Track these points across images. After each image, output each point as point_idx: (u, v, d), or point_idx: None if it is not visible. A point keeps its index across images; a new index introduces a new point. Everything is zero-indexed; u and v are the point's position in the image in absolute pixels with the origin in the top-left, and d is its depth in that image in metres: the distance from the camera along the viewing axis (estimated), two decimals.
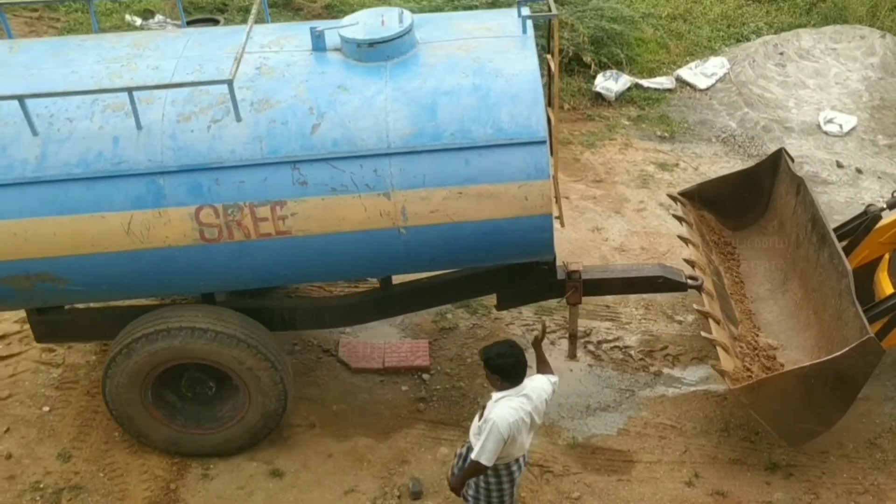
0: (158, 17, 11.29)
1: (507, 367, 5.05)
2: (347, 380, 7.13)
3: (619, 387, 7.26)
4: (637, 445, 6.78)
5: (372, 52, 5.83)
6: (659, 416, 7.01)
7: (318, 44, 5.97)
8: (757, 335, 7.18)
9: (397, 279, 6.49)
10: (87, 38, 6.60)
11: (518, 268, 6.52)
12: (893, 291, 6.78)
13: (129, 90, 5.33)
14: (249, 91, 5.67)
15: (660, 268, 7.15)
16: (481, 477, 5.25)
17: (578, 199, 9.29)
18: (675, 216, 7.98)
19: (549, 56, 6.35)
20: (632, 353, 7.58)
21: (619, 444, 6.79)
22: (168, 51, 5.99)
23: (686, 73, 11.47)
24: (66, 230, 5.48)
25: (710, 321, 6.78)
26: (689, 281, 7.10)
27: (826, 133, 10.48)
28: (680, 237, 7.75)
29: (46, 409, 6.77)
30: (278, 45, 6.07)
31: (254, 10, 6.05)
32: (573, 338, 7.11)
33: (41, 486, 6.30)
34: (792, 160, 7.78)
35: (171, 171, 5.47)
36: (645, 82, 11.20)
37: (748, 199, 8.04)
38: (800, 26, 12.29)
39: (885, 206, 7.47)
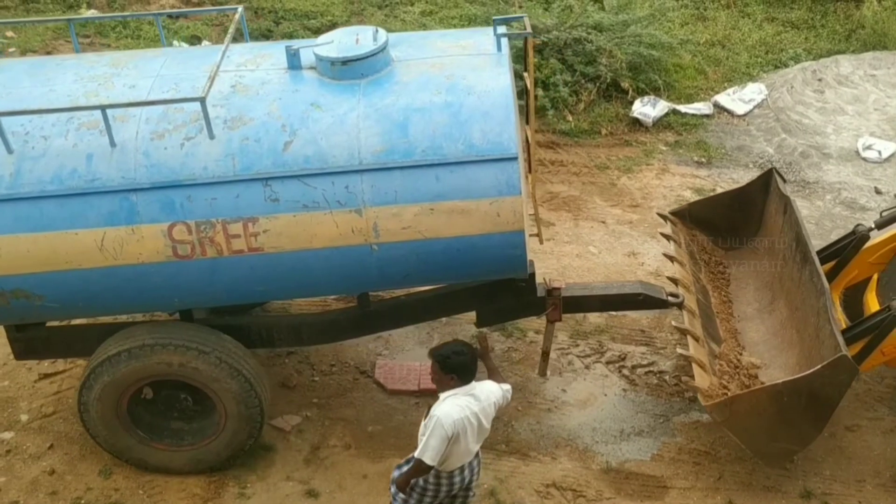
0: (205, 43, 11.49)
1: (464, 365, 5.07)
2: (383, 401, 7.17)
3: (653, 412, 7.21)
4: (671, 471, 6.73)
5: (346, 69, 5.88)
6: (693, 441, 6.96)
7: (294, 62, 6.02)
8: (740, 354, 7.14)
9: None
10: (67, 57, 6.69)
11: (497, 285, 6.51)
12: (873, 312, 6.73)
13: (103, 108, 5.39)
14: (223, 109, 5.72)
15: (640, 285, 7.13)
16: (423, 481, 5.24)
17: (615, 223, 9.32)
18: (662, 234, 7.96)
19: (525, 74, 6.36)
20: (666, 378, 7.53)
21: (652, 470, 6.74)
22: (145, 70, 6.06)
23: (724, 98, 11.44)
24: (40, 247, 5.52)
25: (689, 338, 6.75)
26: (671, 298, 7.07)
27: (865, 159, 10.39)
28: (665, 255, 7.73)
29: None
30: (254, 63, 6.12)
31: (231, 29, 6.12)
32: (545, 355, 7.09)
33: (82, 501, 6.37)
34: (783, 179, 7.76)
35: (143, 188, 5.51)
36: (682, 108, 11.21)
37: (740, 219, 8.01)
38: (839, 52, 12.27)
39: (873, 225, 7.42)
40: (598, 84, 10.96)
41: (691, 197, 9.63)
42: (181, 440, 6.41)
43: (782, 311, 7.33)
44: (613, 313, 7.89)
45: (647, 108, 11.04)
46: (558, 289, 6.78)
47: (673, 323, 6.91)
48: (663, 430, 7.03)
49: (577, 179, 9.99)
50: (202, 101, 5.41)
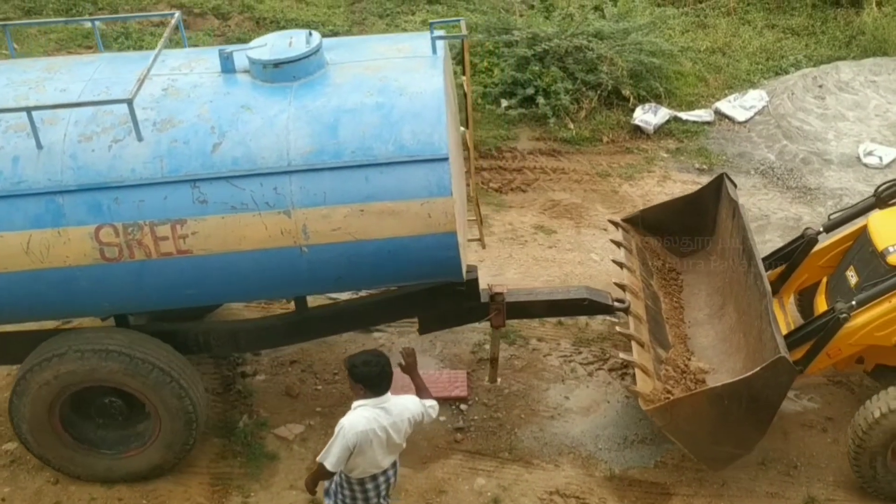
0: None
1: (371, 376, 4.98)
2: None
3: None
4: (674, 478, 6.67)
5: (278, 72, 5.86)
6: None
7: (227, 66, 6.01)
8: (689, 359, 7.09)
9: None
10: (2, 63, 6.66)
11: (438, 291, 6.46)
12: (815, 316, 6.70)
13: (28, 110, 5.36)
14: (153, 111, 5.70)
15: (585, 290, 7.08)
16: (338, 487, 5.18)
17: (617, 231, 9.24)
18: (612, 241, 7.92)
19: (463, 77, 6.35)
20: None
21: (656, 477, 6.69)
22: (78, 74, 6.04)
23: (725, 105, 11.46)
24: None
25: (633, 343, 6.70)
26: (616, 303, 7.03)
27: (866, 165, 10.38)
28: (615, 261, 7.69)
29: None
30: (189, 67, 6.11)
31: (166, 34, 6.12)
32: (494, 362, 7.03)
33: None
34: (734, 185, 7.74)
35: (70, 191, 5.48)
36: (683, 115, 11.23)
37: (694, 225, 7.98)
38: (839, 59, 12.31)
39: (821, 229, 7.40)
40: (599, 92, 11.02)
41: None
42: (114, 448, 6.32)
43: (731, 316, 7.29)
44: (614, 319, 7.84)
45: (648, 116, 11.06)
46: (501, 294, 6.73)
47: (617, 328, 6.86)
48: (666, 437, 6.84)
49: (578, 187, 9.99)
50: (129, 102, 5.38)
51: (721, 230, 7.76)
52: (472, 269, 6.81)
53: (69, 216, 5.48)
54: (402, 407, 5.14)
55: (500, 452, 6.79)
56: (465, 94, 6.39)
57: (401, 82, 5.83)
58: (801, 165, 10.40)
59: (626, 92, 11.08)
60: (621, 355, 6.65)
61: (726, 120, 11.31)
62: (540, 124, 10.71)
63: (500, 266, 8.62)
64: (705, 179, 10.02)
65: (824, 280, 7.34)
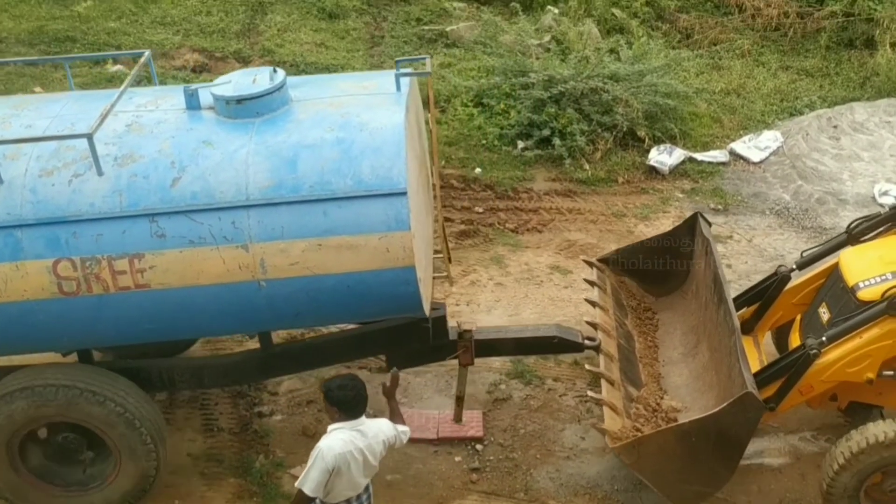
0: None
1: (346, 400, 5.01)
2: (401, 449, 6.91)
3: None
4: None
5: (241, 108, 5.91)
6: None
7: (192, 103, 6.06)
8: (661, 398, 7.02)
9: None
10: None
11: (405, 328, 6.43)
12: (785, 353, 6.63)
13: None
14: (115, 147, 5.74)
15: (555, 328, 7.05)
16: None
17: None
18: (586, 280, 7.89)
19: (427, 113, 6.39)
20: None
21: None
22: (45, 111, 6.11)
23: (739, 146, 11.51)
24: None
25: (603, 382, 6.64)
26: (587, 342, 6.99)
27: (881, 205, 10.26)
28: (587, 300, 7.65)
29: None
30: (154, 104, 6.17)
31: (133, 72, 6.20)
32: (460, 400, 6.96)
33: None
34: (708, 223, 7.72)
35: (29, 224, 5.51)
36: (698, 156, 11.28)
37: (669, 265, 7.95)
38: (853, 100, 12.38)
39: (794, 266, 7.36)
40: (614, 133, 11.09)
41: None
42: (73, 484, 6.26)
43: (704, 355, 7.22)
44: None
45: (663, 156, 11.11)
46: (469, 332, 6.70)
47: (587, 366, 6.80)
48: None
49: (594, 227, 10.00)
50: (89, 137, 5.43)
51: (695, 269, 7.73)
52: (440, 306, 6.80)
53: (27, 250, 5.50)
54: (376, 429, 5.17)
55: (515, 493, 6.74)
56: (429, 130, 6.39)
57: (362, 118, 5.87)
58: (816, 205, 10.39)
59: (641, 133, 11.18)
60: (589, 393, 6.58)
61: (741, 160, 11.36)
62: (556, 165, 10.81)
63: (517, 306, 8.63)
64: (720, 220, 10.15)
65: (798, 317, 7.28)
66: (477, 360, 6.84)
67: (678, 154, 11.16)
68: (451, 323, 6.79)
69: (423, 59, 6.44)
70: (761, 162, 11.29)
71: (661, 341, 7.75)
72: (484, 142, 11.12)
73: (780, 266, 7.45)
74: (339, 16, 13.69)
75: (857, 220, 7.25)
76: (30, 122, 5.96)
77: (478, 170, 10.66)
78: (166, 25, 13.14)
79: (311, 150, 5.70)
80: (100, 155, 5.59)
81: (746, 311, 7.51)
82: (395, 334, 6.50)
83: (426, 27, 13.47)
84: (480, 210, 10.08)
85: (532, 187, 10.54)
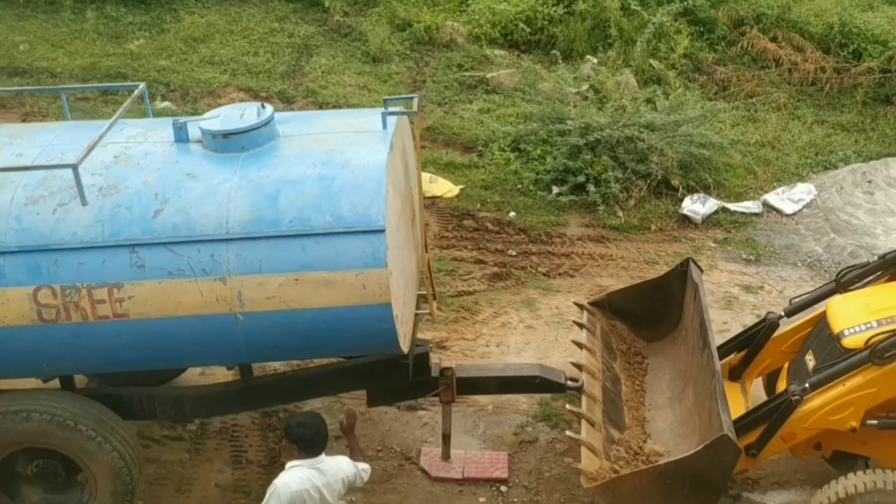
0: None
1: (306, 438, 5.08)
2: (427, 488, 7.12)
3: None
4: None
5: (227, 143, 6.00)
6: None
7: (180, 136, 6.16)
8: (644, 441, 6.98)
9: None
10: None
11: (387, 363, 6.45)
12: (766, 400, 6.58)
13: None
14: (101, 177, 5.84)
15: (538, 368, 7.05)
16: None
17: None
18: (574, 322, 7.88)
19: (414, 153, 6.45)
20: None
21: None
22: (37, 140, 6.23)
23: (773, 198, 11.51)
24: None
25: (583, 422, 6.62)
26: (570, 383, 6.97)
27: None
28: (574, 342, 7.64)
29: (140, 503, 6.63)
30: (144, 136, 6.27)
31: (126, 104, 6.30)
32: (446, 438, 6.95)
33: None
34: (700, 270, 7.71)
35: (11, 252, 5.60)
36: (732, 206, 11.30)
37: (661, 310, 7.93)
38: (889, 155, 12.37)
39: (783, 313, 7.33)
40: (648, 181, 11.19)
41: (739, 294, 9.63)
42: None
43: (690, 399, 7.18)
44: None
45: (696, 206, 11.13)
46: (450, 369, 6.71)
47: (567, 406, 6.77)
48: None
49: (625, 273, 9.98)
50: (74, 167, 5.53)
51: (686, 315, 7.71)
52: (423, 343, 6.83)
53: (9, 276, 5.59)
54: (336, 468, 5.21)
55: None
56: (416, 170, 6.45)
57: (346, 155, 5.93)
58: (848, 259, 10.28)
59: (675, 182, 11.25)
60: (568, 433, 6.56)
61: (774, 212, 11.35)
62: (589, 211, 10.88)
63: (546, 349, 8.66)
64: (752, 270, 10.16)
65: (786, 365, 7.24)
66: (505, 402, 6.85)
67: (711, 204, 11.18)
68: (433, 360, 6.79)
69: (412, 97, 6.49)
70: (794, 214, 11.28)
71: (649, 386, 7.72)
72: (519, 186, 11.29)
73: (768, 312, 7.42)
74: (383, 60, 13.99)
75: (845, 268, 7.21)
76: (21, 151, 6.09)
77: (512, 213, 10.82)
78: (214, 65, 13.52)
79: (292, 186, 5.76)
80: (86, 185, 5.68)
81: (735, 358, 7.48)
82: (374, 370, 6.52)
83: (467, 73, 13.78)
84: (514, 253, 10.20)
85: (565, 232, 10.64)
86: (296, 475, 5.04)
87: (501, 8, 14.62)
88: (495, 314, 9.12)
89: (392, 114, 6.21)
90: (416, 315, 6.77)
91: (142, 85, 6.68)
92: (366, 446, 7.33)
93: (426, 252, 6.84)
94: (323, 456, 5.15)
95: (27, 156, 6.03)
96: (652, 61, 13.86)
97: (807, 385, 6.23)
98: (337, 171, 5.83)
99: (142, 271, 5.62)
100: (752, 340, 7.38)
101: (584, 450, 6.38)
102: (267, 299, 5.66)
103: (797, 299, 7.34)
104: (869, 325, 6.34)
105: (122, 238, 5.63)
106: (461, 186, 11.22)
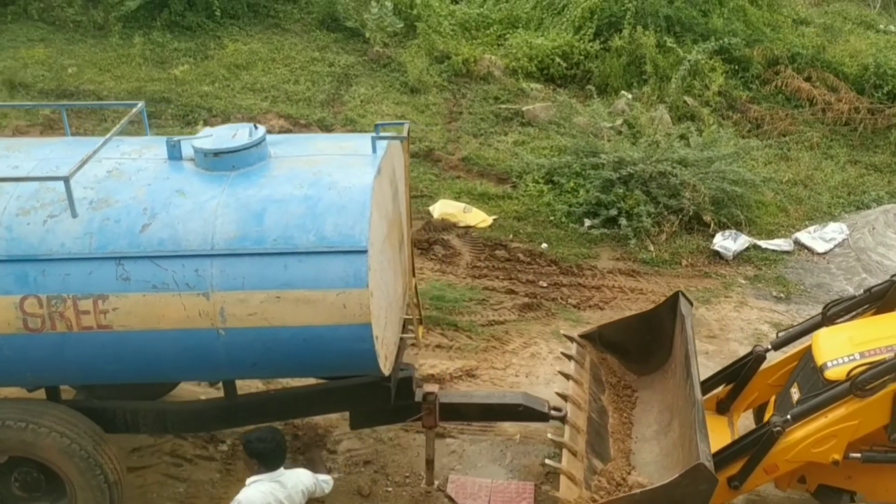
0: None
1: (266, 452, 5.15)
2: None
3: None
4: None
5: (218, 161, 6.11)
6: None
7: (174, 153, 6.27)
8: (629, 473, 6.96)
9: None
10: None
11: (370, 386, 6.48)
12: (748, 431, 6.55)
13: None
14: (93, 191, 5.95)
15: (522, 396, 7.06)
16: None
17: None
18: (563, 353, 7.89)
19: (404, 178, 6.54)
20: None
21: None
22: (33, 154, 6.36)
23: (804, 236, 11.60)
24: None
25: (564, 451, 6.61)
26: (553, 412, 6.97)
27: None
28: (560, 372, 7.65)
29: None
30: (139, 153, 6.39)
31: (123, 121, 6.46)
32: (429, 463, 6.95)
33: None
34: (689, 302, 7.72)
35: (0, 260, 5.68)
36: (763, 243, 11.40)
37: (651, 343, 7.94)
38: None
39: (769, 346, 7.33)
40: (680, 216, 11.34)
41: (769, 332, 9.63)
42: None
43: (675, 432, 7.16)
44: None
45: (727, 242, 11.22)
46: (433, 394, 6.73)
47: (549, 435, 6.77)
48: None
49: None
50: (66, 180, 5.64)
51: (675, 348, 7.71)
52: (408, 367, 6.85)
53: None
54: (295, 479, 5.27)
55: None
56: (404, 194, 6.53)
57: (333, 177, 6.02)
58: None
59: (707, 218, 11.38)
60: (547, 461, 6.55)
61: (805, 250, 11.42)
62: (621, 245, 11.02)
63: None
64: (782, 308, 10.20)
65: (773, 398, 7.22)
66: (533, 432, 6.94)
67: (743, 240, 11.25)
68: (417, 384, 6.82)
69: (403, 123, 6.60)
70: (826, 253, 11.32)
71: (637, 418, 7.70)
72: (552, 218, 11.45)
73: (755, 346, 7.43)
74: (421, 90, 14.30)
75: (832, 301, 7.24)
76: (17, 164, 6.21)
77: (544, 245, 10.97)
78: (256, 91, 13.85)
79: (278, 205, 5.85)
80: (77, 198, 5.79)
81: (722, 391, 7.47)
82: (357, 392, 6.54)
83: (503, 105, 14.06)
84: (544, 284, 10.27)
85: (596, 265, 10.73)
86: (258, 489, 5.09)
87: (539, 42, 15.00)
88: (525, 344, 9.18)
89: (381, 138, 6.31)
90: (402, 339, 6.81)
91: (140, 104, 6.81)
92: (394, 472, 7.43)
93: (413, 276, 6.88)
94: (282, 469, 5.22)
95: (23, 169, 6.16)
96: (686, 98, 14.09)
97: (788, 417, 6.21)
98: (323, 192, 5.91)
99: (127, 284, 5.70)
100: (739, 373, 7.37)
101: (562, 478, 6.37)
102: (249, 315, 5.72)
103: (784, 333, 7.35)
104: (852, 357, 6.34)
105: (108, 251, 5.72)
106: (494, 217, 11.38)
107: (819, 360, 6.49)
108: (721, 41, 14.37)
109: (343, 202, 5.85)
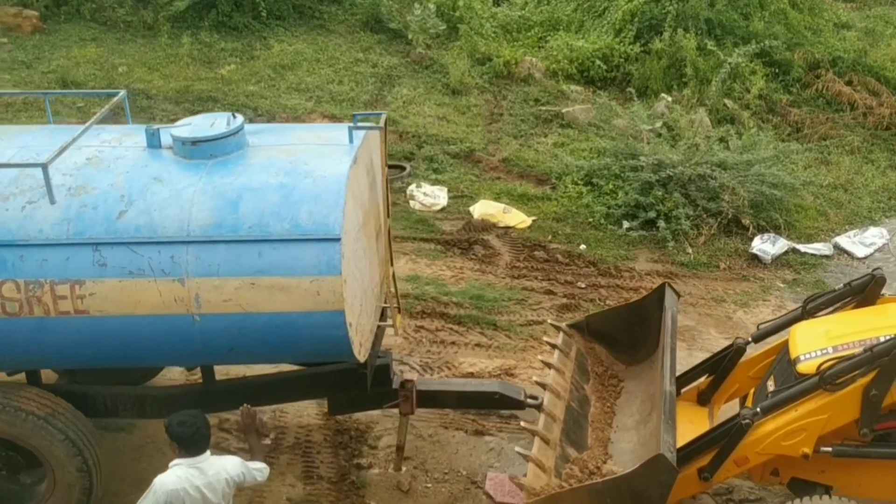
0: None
1: (184, 436, 5.15)
2: None
3: None
4: None
5: (195, 149, 6.18)
6: None
7: (153, 141, 6.35)
8: (604, 462, 6.98)
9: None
10: None
11: (348, 373, 6.55)
12: (718, 424, 6.59)
13: None
14: (71, 178, 6.03)
15: (498, 384, 7.13)
16: None
17: None
18: (547, 342, 7.93)
19: (382, 168, 6.60)
20: None
21: None
22: (16, 141, 6.46)
23: (844, 240, 11.55)
24: None
25: (536, 439, 6.66)
26: (529, 400, 7.03)
27: None
28: (542, 361, 7.68)
29: None
30: (119, 141, 6.47)
31: (104, 109, 6.52)
32: (399, 450, 7.02)
33: None
34: (676, 294, 7.77)
35: None
36: (802, 247, 11.38)
37: (639, 334, 7.96)
38: None
39: (750, 339, 7.36)
40: (719, 219, 11.34)
41: None
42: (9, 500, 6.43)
43: (654, 422, 7.19)
44: None
45: (766, 245, 11.21)
46: (410, 381, 6.79)
47: (522, 423, 6.83)
48: None
49: (693, 310, 10.03)
50: (44, 167, 5.72)
51: (661, 339, 7.74)
52: (385, 354, 6.93)
53: None
54: (218, 467, 5.26)
55: None
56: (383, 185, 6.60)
57: (309, 166, 6.09)
58: None
59: (745, 221, 11.37)
60: (517, 449, 6.60)
61: (845, 255, 11.39)
62: (659, 247, 11.04)
63: None
64: (822, 312, 10.03)
65: (752, 391, 7.25)
66: None
67: (781, 244, 11.24)
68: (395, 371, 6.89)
69: (380, 114, 6.66)
70: (866, 258, 11.26)
71: (620, 408, 7.72)
72: (590, 220, 11.51)
73: (736, 338, 7.45)
74: (462, 92, 14.47)
75: (812, 295, 7.25)
76: None
77: (583, 246, 11.02)
78: (300, 91, 14.05)
79: (254, 193, 5.92)
80: (56, 185, 5.87)
81: (703, 382, 7.51)
82: (334, 378, 6.62)
83: (543, 107, 14.16)
84: (583, 285, 10.32)
85: (634, 267, 10.75)
86: (174, 474, 5.10)
87: (579, 45, 15.15)
88: None
89: (358, 128, 6.36)
90: (379, 327, 6.88)
91: (122, 92, 6.88)
92: (434, 468, 7.49)
93: (391, 266, 6.95)
94: (207, 455, 5.21)
95: (3, 156, 6.23)
96: (726, 101, 14.13)
97: (758, 409, 6.24)
98: (299, 181, 5.98)
99: (103, 270, 5.78)
100: (720, 365, 7.40)
101: (530, 466, 6.40)
102: (223, 302, 5.79)
103: (764, 325, 7.38)
104: (825, 351, 6.35)
105: (85, 237, 5.80)
106: (533, 218, 11.47)
107: (793, 354, 6.52)
108: (762, 44, 14.40)
109: (318, 191, 5.91)
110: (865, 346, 6.07)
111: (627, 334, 7.96)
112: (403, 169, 12.20)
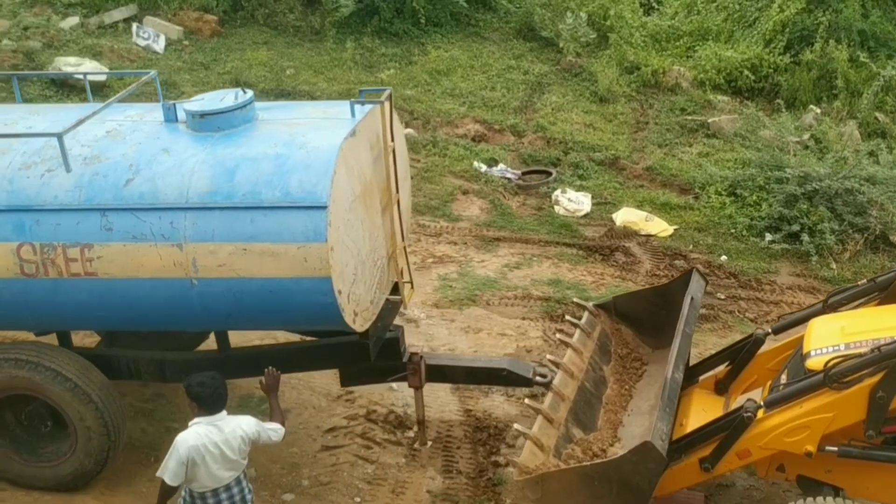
0: (501, 166, 12.90)
1: (203, 396, 5.37)
2: None
3: None
4: None
5: (204, 122, 6.46)
6: None
7: (170, 116, 6.68)
8: (611, 445, 6.87)
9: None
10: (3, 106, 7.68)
11: (359, 345, 6.69)
12: (722, 415, 6.36)
13: None
14: (88, 148, 6.41)
15: (507, 361, 7.10)
16: (184, 502, 5.48)
17: None
18: (569, 321, 7.84)
19: (393, 143, 6.72)
20: None
21: None
22: (48, 116, 6.94)
23: None
24: None
25: (539, 418, 6.60)
26: (538, 378, 6.97)
27: None
28: (560, 340, 7.61)
29: (357, 500, 7.13)
30: (140, 116, 6.83)
31: (132, 87, 6.93)
32: (420, 424, 7.09)
33: None
34: (705, 280, 7.56)
35: (1, 210, 6.22)
36: None
37: (665, 318, 7.79)
38: None
39: (769, 330, 7.09)
40: (865, 235, 11.12)
41: None
42: (40, 456, 6.85)
43: None
44: None
45: None
46: (418, 354, 6.87)
47: (526, 400, 6.78)
48: None
49: None
50: (59, 136, 6.12)
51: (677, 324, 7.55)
52: (396, 328, 7.02)
53: None
54: (234, 425, 5.48)
55: None
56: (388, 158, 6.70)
57: (306, 138, 6.27)
58: None
59: (894, 238, 11.10)
60: (516, 426, 6.55)
61: None
62: (802, 261, 10.91)
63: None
64: None
65: (768, 384, 6.97)
66: None
67: None
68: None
69: (385, 90, 6.76)
70: None
71: (638, 392, 7.56)
72: (732, 231, 11.45)
73: (757, 328, 7.20)
74: (609, 100, 14.67)
75: (835, 290, 6.94)
76: (31, 124, 6.76)
77: (724, 257, 10.98)
78: (454, 97, 14.56)
79: (250, 163, 6.14)
80: (73, 155, 6.27)
81: (721, 371, 7.28)
82: (341, 350, 6.76)
83: (689, 117, 14.21)
84: (722, 297, 10.27)
85: (776, 280, 10.62)
86: (195, 430, 5.35)
87: (728, 55, 15.05)
88: (699, 356, 8.88)
89: (359, 102, 6.51)
90: (390, 301, 6.97)
91: (152, 72, 7.25)
92: None
93: (402, 241, 7.03)
94: (223, 413, 5.43)
95: (36, 128, 6.69)
96: (878, 114, 13.75)
97: (762, 403, 6.00)
98: (293, 151, 6.16)
99: (110, 234, 6.12)
100: (738, 355, 7.16)
101: (528, 444, 6.35)
102: (218, 266, 6.03)
103: (785, 317, 7.11)
104: (836, 348, 6.05)
105: (95, 203, 6.16)
106: (675, 227, 11.46)
107: (806, 348, 6.24)
108: None
109: (309, 161, 6.07)
110: (873, 346, 5.74)
111: (653, 318, 7.80)
112: (549, 174, 12.35)
